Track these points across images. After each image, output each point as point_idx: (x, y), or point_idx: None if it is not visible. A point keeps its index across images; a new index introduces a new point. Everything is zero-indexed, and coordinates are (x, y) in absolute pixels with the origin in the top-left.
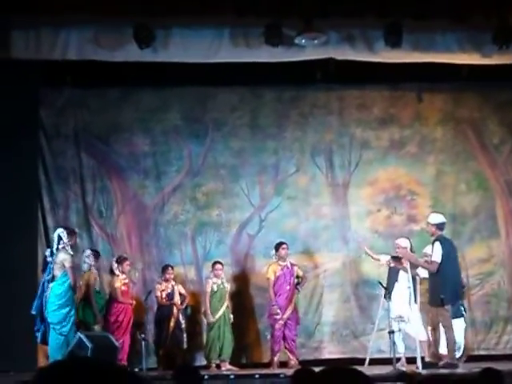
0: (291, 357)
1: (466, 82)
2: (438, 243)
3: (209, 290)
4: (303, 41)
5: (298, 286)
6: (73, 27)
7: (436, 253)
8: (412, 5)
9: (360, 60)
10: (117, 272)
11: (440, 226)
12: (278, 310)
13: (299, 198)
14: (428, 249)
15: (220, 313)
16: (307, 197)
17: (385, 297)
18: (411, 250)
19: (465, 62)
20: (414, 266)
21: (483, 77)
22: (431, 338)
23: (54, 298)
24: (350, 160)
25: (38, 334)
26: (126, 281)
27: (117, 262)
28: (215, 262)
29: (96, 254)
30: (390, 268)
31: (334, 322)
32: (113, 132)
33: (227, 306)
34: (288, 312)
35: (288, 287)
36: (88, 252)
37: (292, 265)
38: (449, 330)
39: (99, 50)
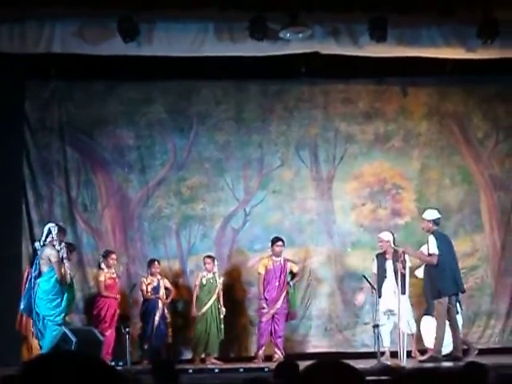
0: (276, 351)
1: (451, 77)
2: (432, 236)
3: (197, 282)
4: (288, 35)
5: (290, 282)
6: (57, 20)
7: (432, 245)
8: None
9: (345, 54)
10: (102, 265)
11: (436, 221)
12: (264, 304)
13: (284, 192)
14: (425, 248)
15: (207, 306)
16: (292, 191)
17: (373, 290)
18: (394, 243)
19: (449, 56)
20: (399, 259)
21: (468, 71)
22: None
23: (43, 294)
24: (335, 154)
25: (34, 329)
26: (113, 275)
27: (103, 256)
28: (205, 257)
29: (70, 247)
30: (378, 262)
31: (318, 316)
32: (97, 125)
33: (216, 300)
34: (276, 306)
35: (277, 283)
36: (61, 245)
37: (286, 260)
38: (441, 325)
39: (84, 43)
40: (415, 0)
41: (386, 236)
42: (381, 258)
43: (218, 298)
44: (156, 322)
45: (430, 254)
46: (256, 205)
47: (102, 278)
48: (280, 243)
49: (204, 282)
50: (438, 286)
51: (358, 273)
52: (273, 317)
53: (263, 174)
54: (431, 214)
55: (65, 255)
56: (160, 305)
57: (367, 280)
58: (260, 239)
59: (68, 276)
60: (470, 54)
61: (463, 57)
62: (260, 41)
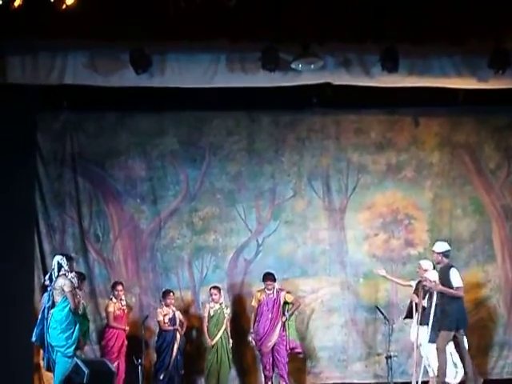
0: (281, 382)
1: (463, 107)
2: (455, 269)
3: (206, 314)
4: (300, 65)
5: (285, 313)
6: (69, 52)
7: (457, 278)
8: (408, 30)
9: (357, 85)
10: (110, 296)
11: (446, 254)
12: (251, 339)
13: (296, 222)
14: (430, 275)
15: (217, 338)
16: (304, 221)
17: (385, 321)
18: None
19: (461, 86)
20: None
21: (479, 101)
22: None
23: (56, 324)
24: (347, 184)
25: (44, 362)
26: (121, 306)
27: (112, 286)
28: (211, 288)
29: (80, 277)
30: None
31: (331, 347)
32: (109, 156)
33: (225, 331)
34: (272, 339)
35: (270, 315)
36: (72, 274)
37: (279, 291)
38: (442, 352)
39: (96, 74)
40: (426, 30)
41: (426, 264)
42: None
43: (226, 328)
44: (174, 353)
45: (456, 288)
46: (268, 235)
47: (111, 309)
48: (271, 277)
49: (212, 313)
50: (457, 317)
51: (370, 303)
52: (272, 349)
53: (275, 205)
54: (441, 247)
55: (76, 285)
56: (178, 336)
57: (380, 311)
58: (272, 270)
59: (80, 305)
60: (481, 84)
61: (475, 87)
62: (272, 72)
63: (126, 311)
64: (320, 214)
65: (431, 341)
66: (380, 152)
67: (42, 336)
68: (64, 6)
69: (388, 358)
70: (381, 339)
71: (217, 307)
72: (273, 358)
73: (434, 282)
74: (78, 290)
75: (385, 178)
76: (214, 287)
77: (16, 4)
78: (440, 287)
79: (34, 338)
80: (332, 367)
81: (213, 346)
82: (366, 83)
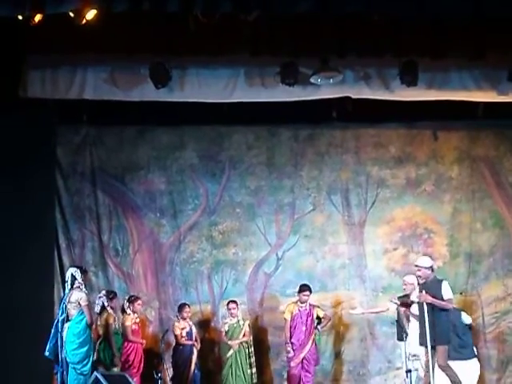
0: None
1: (482, 120)
2: (446, 282)
3: (223, 329)
4: (319, 80)
5: (318, 327)
6: (89, 66)
7: (449, 291)
8: (427, 43)
9: (376, 98)
10: (128, 311)
11: (433, 268)
12: (290, 349)
13: (316, 236)
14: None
15: (231, 352)
16: (324, 235)
17: (398, 337)
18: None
19: (480, 99)
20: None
21: (499, 115)
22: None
23: (73, 337)
24: (367, 198)
25: (57, 377)
26: (137, 320)
27: (128, 301)
28: (230, 302)
29: (110, 295)
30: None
31: (350, 361)
32: (129, 170)
33: (241, 345)
34: (304, 352)
35: (304, 328)
36: (101, 293)
37: (312, 306)
38: (447, 368)
39: (115, 89)
40: (445, 44)
41: (411, 279)
42: (402, 300)
43: (246, 342)
44: (192, 368)
45: (447, 300)
46: (288, 249)
47: (128, 323)
48: (307, 292)
49: (227, 328)
50: (449, 332)
51: (389, 317)
52: (302, 362)
53: (295, 219)
54: (428, 261)
55: (106, 303)
56: (195, 350)
57: (399, 325)
58: (292, 284)
59: (116, 323)
60: (501, 97)
61: (494, 100)
62: (291, 86)
63: (139, 325)
64: (339, 228)
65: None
66: (399, 166)
67: (56, 350)
68: (84, 21)
69: (407, 371)
70: (400, 353)
71: (233, 321)
72: (301, 372)
73: (412, 285)
74: (109, 309)
75: (404, 192)
76: (232, 301)
77: (36, 19)
78: (431, 298)
79: (47, 353)
80: (351, 381)
81: (227, 360)
82: (386, 97)
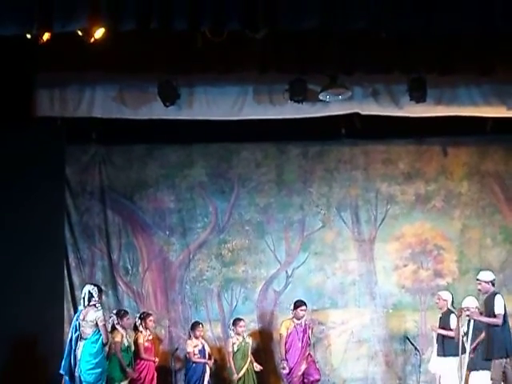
0: None
1: (491, 136)
2: (499, 296)
3: (230, 349)
4: (328, 96)
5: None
6: (98, 85)
7: (500, 305)
8: (436, 59)
9: (385, 115)
10: (140, 328)
11: (493, 282)
12: (285, 365)
13: (326, 253)
14: (468, 303)
15: (243, 370)
16: (334, 252)
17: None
18: (452, 303)
19: (489, 115)
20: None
21: (508, 130)
22: None
23: (89, 357)
24: (376, 215)
25: None
26: (150, 337)
27: (140, 318)
28: (237, 319)
29: (121, 314)
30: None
31: (361, 378)
32: (138, 188)
33: (250, 361)
34: (302, 367)
35: (300, 344)
36: (112, 312)
37: (307, 325)
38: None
39: (124, 107)
40: (454, 60)
41: (446, 295)
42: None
43: (251, 359)
44: None
45: (496, 315)
46: (298, 267)
47: (141, 341)
48: (304, 307)
49: (236, 347)
50: (506, 344)
51: (399, 334)
52: (303, 378)
53: (305, 236)
54: (489, 275)
55: (116, 322)
56: (207, 369)
57: (410, 342)
58: None
59: (125, 340)
60: (510, 112)
61: (503, 115)
62: (300, 103)
63: (153, 342)
64: (349, 244)
65: (474, 368)
66: (409, 182)
67: (71, 368)
68: (92, 40)
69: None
70: (410, 370)
71: (240, 339)
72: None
73: (445, 301)
74: (118, 326)
75: (413, 208)
76: (240, 319)
77: (45, 38)
78: (477, 316)
79: (62, 371)
80: None
81: (239, 379)
82: (395, 113)
